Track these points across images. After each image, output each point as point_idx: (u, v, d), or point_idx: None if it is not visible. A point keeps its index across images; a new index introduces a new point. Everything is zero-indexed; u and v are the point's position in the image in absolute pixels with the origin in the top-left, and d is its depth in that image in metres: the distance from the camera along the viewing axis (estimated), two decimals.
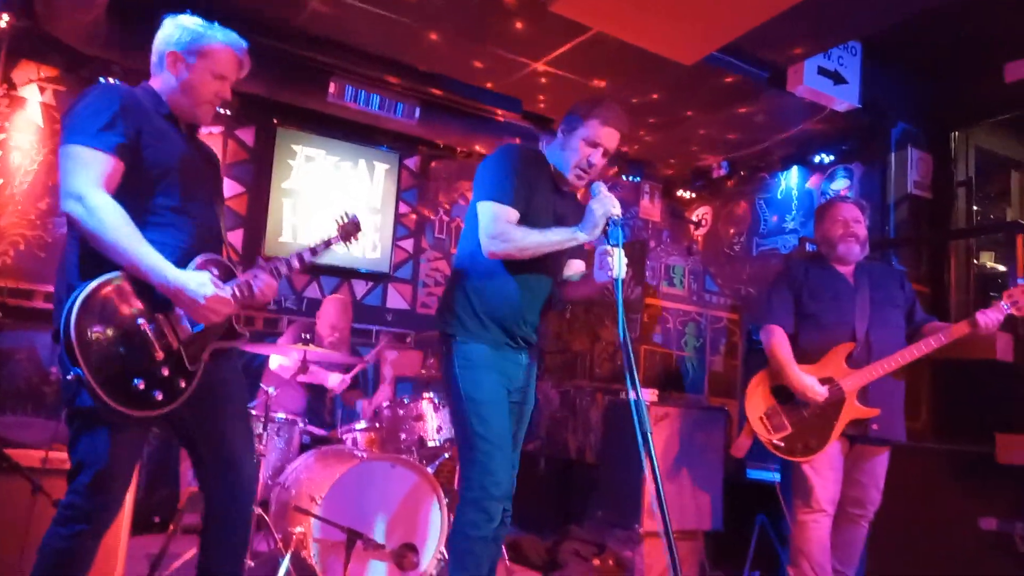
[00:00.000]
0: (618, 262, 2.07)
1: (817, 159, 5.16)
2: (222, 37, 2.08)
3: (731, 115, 4.79)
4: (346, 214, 2.42)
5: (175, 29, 2.06)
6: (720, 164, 5.73)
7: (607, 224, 2.14)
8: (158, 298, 1.87)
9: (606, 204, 2.15)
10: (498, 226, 2.22)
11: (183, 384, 1.91)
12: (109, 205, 1.81)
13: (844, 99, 4.32)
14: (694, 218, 6.19)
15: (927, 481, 3.42)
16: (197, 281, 1.85)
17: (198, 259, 1.97)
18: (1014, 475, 3.14)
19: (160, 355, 1.86)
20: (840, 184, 4.98)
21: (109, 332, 1.80)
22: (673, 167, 6.12)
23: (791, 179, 5.39)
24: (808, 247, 4.62)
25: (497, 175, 2.28)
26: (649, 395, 4.25)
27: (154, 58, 2.08)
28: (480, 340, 2.29)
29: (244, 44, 2.13)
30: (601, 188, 2.22)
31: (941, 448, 3.53)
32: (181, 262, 1.92)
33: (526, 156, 2.36)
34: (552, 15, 3.66)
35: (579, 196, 2.65)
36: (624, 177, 6.15)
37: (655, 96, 4.74)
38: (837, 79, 4.27)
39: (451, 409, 2.35)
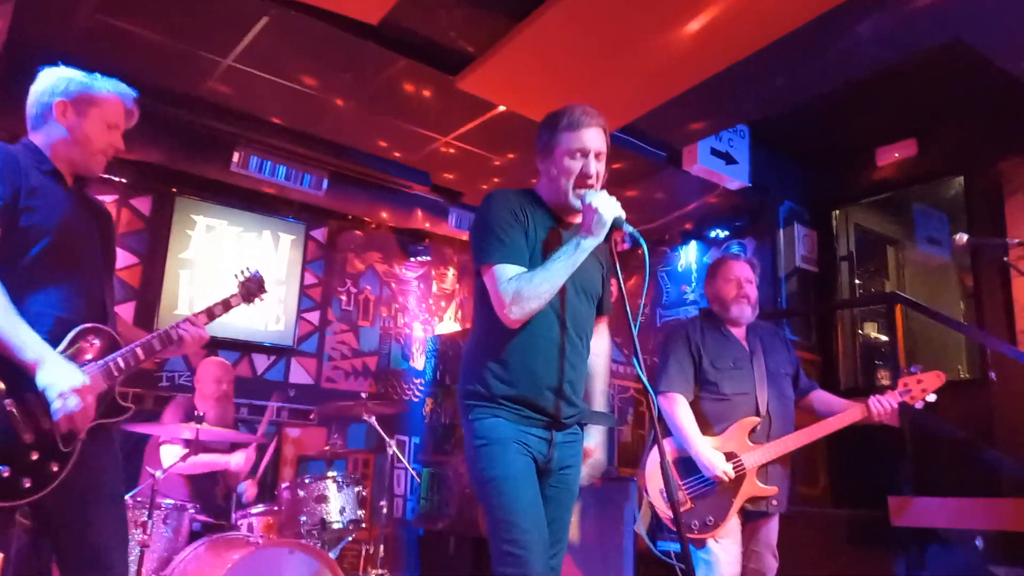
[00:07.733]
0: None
1: (713, 234, 5.43)
2: (110, 87, 2.02)
3: (632, 192, 4.99)
4: (247, 269, 2.29)
5: (58, 80, 1.97)
6: (623, 238, 5.92)
7: (617, 229, 1.96)
8: (28, 373, 1.72)
9: (607, 202, 1.94)
10: (508, 287, 1.92)
11: (55, 468, 1.74)
12: None
13: (735, 178, 4.61)
14: None
15: (827, 546, 3.50)
16: (69, 382, 1.72)
17: (75, 330, 1.83)
18: (907, 536, 3.26)
19: (29, 437, 1.70)
20: None
21: None
22: None
23: (690, 253, 5.63)
24: None
25: (486, 233, 2.00)
26: None
27: (34, 110, 1.97)
28: (498, 416, 1.98)
29: (133, 93, 2.07)
30: (597, 191, 2.02)
31: (839, 513, 3.65)
32: (59, 333, 1.79)
33: (512, 199, 2.05)
34: (459, 92, 3.76)
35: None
36: None
37: None
38: (728, 159, 4.55)
39: (478, 497, 1.99)
